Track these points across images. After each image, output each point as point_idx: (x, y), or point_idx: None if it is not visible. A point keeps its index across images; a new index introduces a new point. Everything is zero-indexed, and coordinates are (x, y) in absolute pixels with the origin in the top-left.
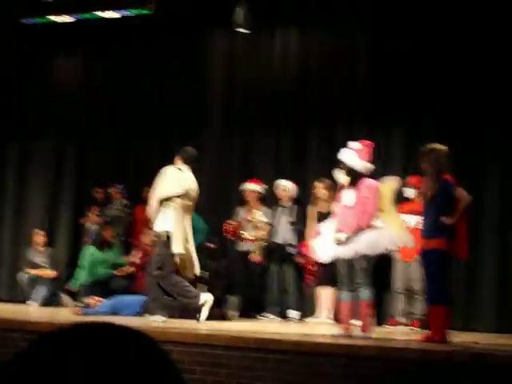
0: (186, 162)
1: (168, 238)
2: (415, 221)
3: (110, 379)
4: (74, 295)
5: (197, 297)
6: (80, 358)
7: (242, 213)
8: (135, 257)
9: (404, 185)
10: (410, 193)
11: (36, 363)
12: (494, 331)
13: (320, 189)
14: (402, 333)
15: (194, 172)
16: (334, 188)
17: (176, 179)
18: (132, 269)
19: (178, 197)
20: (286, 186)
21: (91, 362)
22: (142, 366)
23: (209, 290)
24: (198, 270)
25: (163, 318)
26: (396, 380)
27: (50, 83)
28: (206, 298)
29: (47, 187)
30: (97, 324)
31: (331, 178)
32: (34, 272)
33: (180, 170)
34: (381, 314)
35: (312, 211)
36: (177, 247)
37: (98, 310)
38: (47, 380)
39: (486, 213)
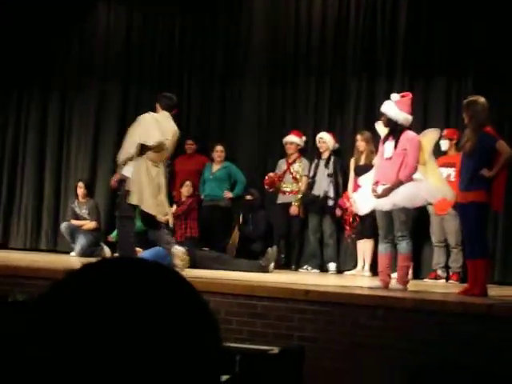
0: (165, 109)
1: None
2: (450, 173)
3: (140, 315)
4: (114, 246)
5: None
6: (107, 294)
7: (282, 165)
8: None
9: (440, 137)
10: (444, 145)
11: (61, 303)
12: None
13: (360, 141)
14: (441, 286)
15: (175, 118)
16: (376, 140)
17: (152, 128)
18: (167, 217)
19: (150, 148)
20: (323, 138)
21: (119, 298)
22: (174, 302)
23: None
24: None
25: None
26: (435, 332)
27: (92, 31)
28: None
29: (87, 139)
30: (123, 259)
31: (373, 130)
32: (75, 223)
33: (157, 119)
34: (422, 267)
35: (353, 164)
36: (132, 198)
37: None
38: (73, 319)
39: None
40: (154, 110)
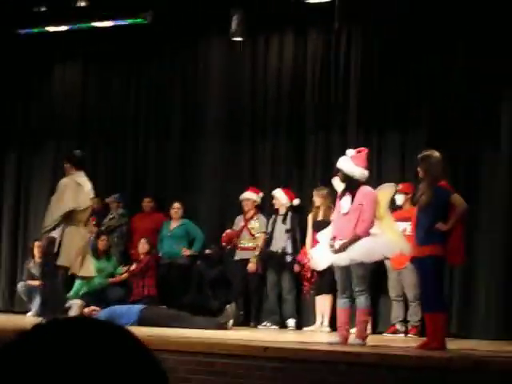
0: (79, 167)
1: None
2: (405, 227)
3: (86, 375)
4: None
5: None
6: (55, 355)
7: (239, 222)
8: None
9: (395, 192)
10: (400, 200)
11: (11, 362)
12: (491, 338)
13: (316, 196)
14: (399, 340)
15: (87, 173)
16: (333, 196)
17: (77, 192)
18: (124, 275)
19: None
20: (275, 195)
21: (67, 358)
22: (122, 359)
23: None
24: (86, 272)
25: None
26: None
27: (49, 92)
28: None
29: (45, 199)
30: (72, 319)
31: (330, 185)
32: (32, 283)
33: (78, 182)
34: (380, 321)
35: (310, 219)
36: (61, 259)
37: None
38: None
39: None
40: (64, 172)
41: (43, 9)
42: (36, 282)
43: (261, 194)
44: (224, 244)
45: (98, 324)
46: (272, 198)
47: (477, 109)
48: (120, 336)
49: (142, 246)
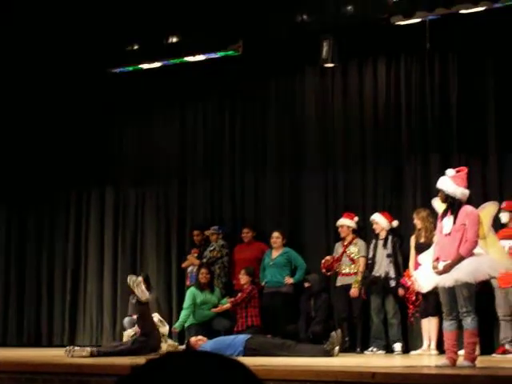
0: None
1: None
2: (511, 245)
3: None
4: (180, 337)
5: None
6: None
7: (339, 248)
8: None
9: (499, 210)
10: (504, 218)
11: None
12: None
13: (417, 220)
14: (509, 360)
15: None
16: (434, 217)
17: None
18: (227, 306)
19: None
20: (375, 219)
21: None
22: None
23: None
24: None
25: None
26: None
27: (146, 132)
28: None
29: (150, 232)
30: (185, 352)
31: (430, 207)
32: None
33: None
34: (489, 342)
35: (413, 242)
36: None
37: (201, 350)
38: None
39: None
40: None
41: (136, 47)
42: None
43: (356, 219)
44: (324, 271)
45: (211, 358)
46: (371, 223)
47: None
48: (235, 370)
49: (242, 276)
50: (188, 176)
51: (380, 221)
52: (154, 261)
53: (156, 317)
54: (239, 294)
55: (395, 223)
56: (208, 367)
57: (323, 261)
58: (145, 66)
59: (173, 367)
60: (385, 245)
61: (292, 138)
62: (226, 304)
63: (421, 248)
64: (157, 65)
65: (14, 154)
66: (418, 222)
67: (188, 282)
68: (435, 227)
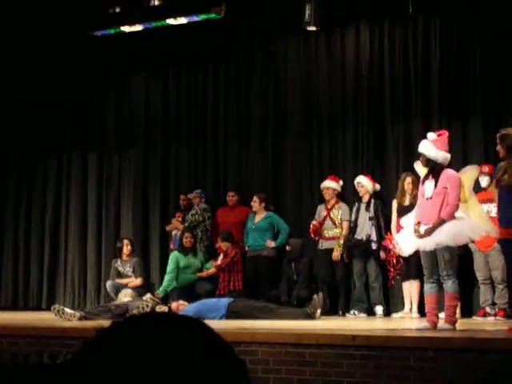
0: None
1: None
2: (490, 209)
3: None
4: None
5: None
6: (132, 351)
7: (321, 211)
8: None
9: (480, 174)
10: (484, 182)
11: (93, 360)
12: None
13: (401, 182)
14: (489, 323)
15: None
16: (416, 181)
17: None
18: (213, 270)
19: None
20: (361, 182)
21: (143, 355)
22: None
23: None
24: None
25: None
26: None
27: (128, 94)
28: None
29: (130, 199)
30: (149, 315)
31: (413, 171)
32: (120, 281)
33: None
34: (470, 305)
35: (395, 205)
36: None
37: (183, 313)
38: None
39: None
40: None
41: (117, 10)
42: (123, 280)
43: (341, 183)
44: (312, 235)
45: (173, 318)
46: (354, 186)
47: None
48: (197, 329)
49: (221, 244)
50: (171, 140)
51: (366, 184)
52: (137, 225)
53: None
54: (221, 258)
55: (378, 186)
56: (170, 328)
57: (311, 225)
58: (126, 28)
59: (136, 329)
60: (367, 208)
61: (275, 101)
62: (211, 269)
63: (403, 211)
64: (138, 28)
65: None
66: (400, 185)
67: (172, 246)
68: (417, 191)
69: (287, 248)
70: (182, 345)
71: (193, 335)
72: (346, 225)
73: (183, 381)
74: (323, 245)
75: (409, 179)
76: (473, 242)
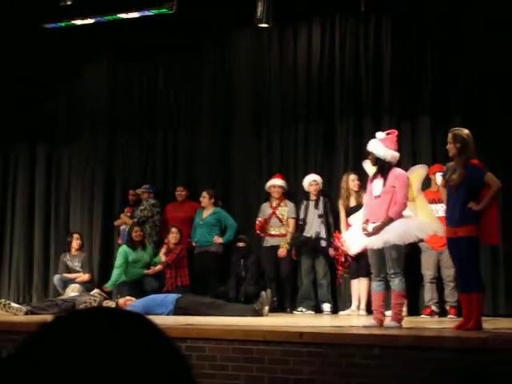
0: None
1: None
2: (437, 208)
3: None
4: (109, 296)
5: None
6: (74, 346)
7: (266, 209)
8: (164, 255)
9: (434, 173)
10: (440, 180)
11: (35, 353)
12: None
13: (349, 181)
14: (435, 321)
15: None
16: (364, 180)
17: None
18: (159, 267)
19: None
20: (316, 180)
21: (85, 349)
22: (139, 348)
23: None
24: None
25: None
26: (431, 369)
27: (77, 86)
28: None
29: (77, 192)
30: (93, 310)
31: (361, 169)
32: (68, 276)
33: None
34: (416, 304)
35: (342, 204)
36: None
37: (130, 309)
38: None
39: None
40: None
41: (69, 3)
42: (71, 275)
43: (285, 181)
44: (258, 232)
45: (116, 313)
46: (310, 184)
47: None
48: (140, 325)
49: (173, 235)
50: (120, 134)
51: (320, 182)
52: (85, 219)
53: (96, 293)
54: (163, 250)
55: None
56: (113, 323)
57: (257, 222)
58: (78, 22)
59: (78, 323)
60: (316, 205)
61: (226, 98)
62: (158, 266)
63: (351, 210)
64: (90, 21)
65: None
66: (351, 184)
67: (120, 241)
68: (365, 189)
69: (240, 244)
70: (124, 340)
71: (136, 330)
72: (292, 222)
73: (124, 376)
74: (268, 242)
75: (353, 177)
76: (421, 240)
